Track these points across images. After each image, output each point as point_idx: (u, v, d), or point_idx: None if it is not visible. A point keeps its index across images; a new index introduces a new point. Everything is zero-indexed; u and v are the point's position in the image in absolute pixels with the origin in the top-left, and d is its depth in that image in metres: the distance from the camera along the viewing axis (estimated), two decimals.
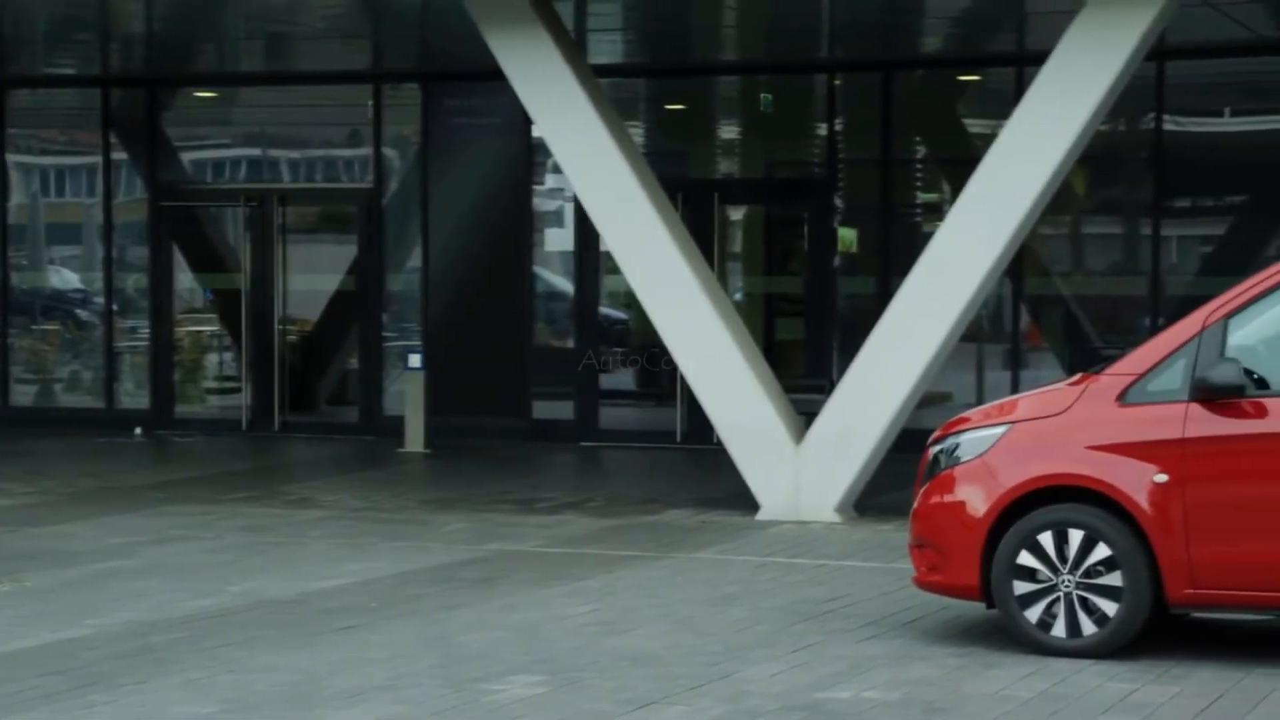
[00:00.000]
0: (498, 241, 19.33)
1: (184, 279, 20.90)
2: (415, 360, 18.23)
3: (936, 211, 18.06)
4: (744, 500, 13.71)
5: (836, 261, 18.55)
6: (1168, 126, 17.38)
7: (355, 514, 13.82)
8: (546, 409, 19.12)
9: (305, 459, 18.23)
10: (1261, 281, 8.56)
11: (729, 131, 20.02)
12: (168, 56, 19.70)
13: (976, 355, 17.84)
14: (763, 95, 19.36)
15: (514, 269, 19.21)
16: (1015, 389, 16.72)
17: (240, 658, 8.58)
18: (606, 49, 18.36)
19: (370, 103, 19.64)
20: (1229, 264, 16.62)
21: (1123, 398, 8.57)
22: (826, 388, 16.01)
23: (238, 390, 20.30)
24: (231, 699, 7.75)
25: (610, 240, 14.26)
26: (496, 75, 14.27)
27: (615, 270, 15.62)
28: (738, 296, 18.82)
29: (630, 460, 17.90)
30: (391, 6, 16.68)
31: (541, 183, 19.41)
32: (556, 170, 17.67)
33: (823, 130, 18.63)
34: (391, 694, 7.83)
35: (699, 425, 17.17)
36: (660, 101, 19.88)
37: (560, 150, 14.24)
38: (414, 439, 18.14)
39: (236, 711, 7.55)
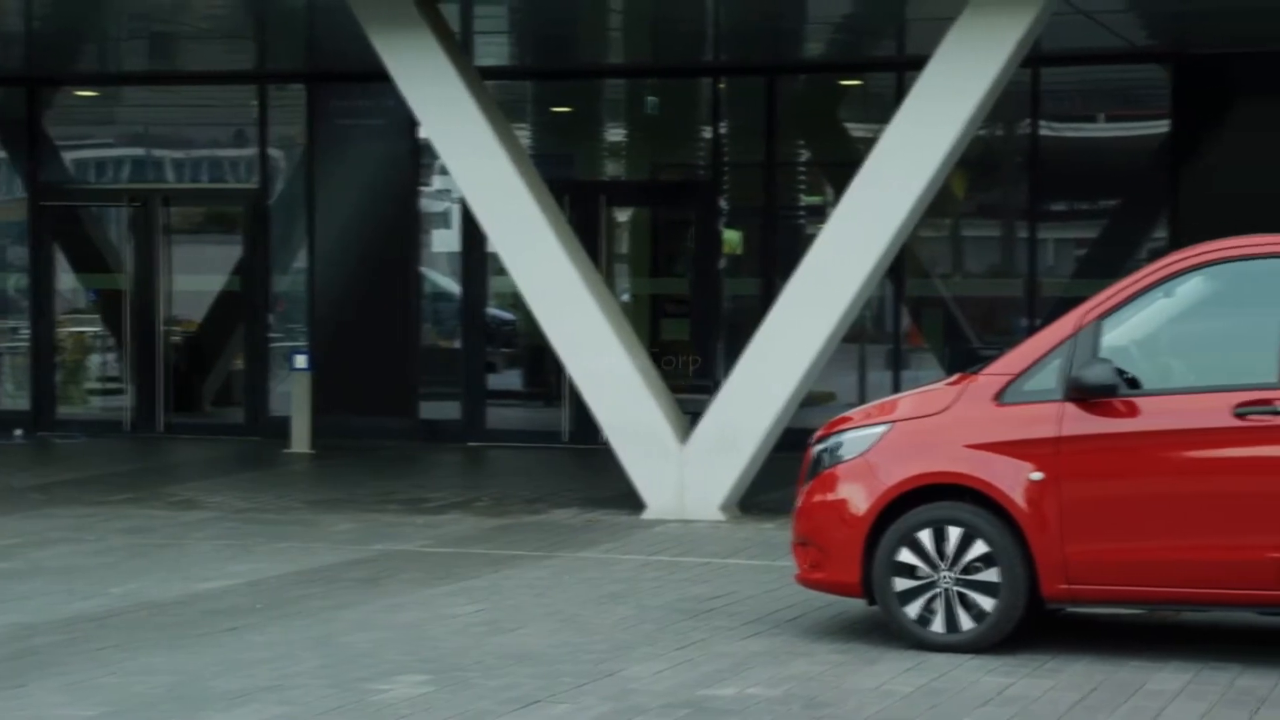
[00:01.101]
0: (384, 242, 19.30)
1: (66, 279, 20.69)
2: (301, 361, 18.17)
3: (819, 214, 18.23)
4: (630, 500, 13.79)
5: (721, 263, 18.70)
6: (1043, 132, 17.68)
7: (240, 515, 13.75)
8: (433, 409, 19.13)
9: (189, 460, 18.10)
10: (1133, 284, 8.73)
11: (615, 134, 20.11)
12: (49, 55, 19.47)
13: (859, 355, 18.05)
14: (648, 98, 19.48)
15: (400, 270, 19.18)
16: (896, 389, 16.93)
17: (122, 660, 8.53)
18: (493, 51, 18.39)
19: (255, 103, 19.54)
20: (1103, 266, 16.93)
21: (1000, 397, 8.71)
22: (712, 388, 16.14)
23: (121, 391, 20.12)
24: (113, 701, 7.71)
25: (497, 241, 14.30)
26: (382, 77, 14.27)
27: (502, 271, 15.66)
28: (624, 297, 18.91)
29: (517, 460, 17.93)
30: (276, 7, 16.61)
31: (428, 184, 19.40)
32: (443, 171, 17.68)
33: (707, 133, 18.77)
34: (276, 695, 7.82)
35: (585, 425, 17.24)
36: (546, 104, 19.93)
37: (446, 152, 14.26)
38: (300, 440, 18.07)
39: (118, 714, 7.51)
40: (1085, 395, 8.51)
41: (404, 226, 19.20)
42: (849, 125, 19.09)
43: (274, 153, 19.81)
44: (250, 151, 19.78)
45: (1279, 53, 16.71)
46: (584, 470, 16.74)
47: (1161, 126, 17.52)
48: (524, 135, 19.01)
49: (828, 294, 13.24)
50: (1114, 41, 16.53)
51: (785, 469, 11.85)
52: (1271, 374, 8.35)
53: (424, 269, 19.43)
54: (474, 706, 7.63)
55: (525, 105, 19.71)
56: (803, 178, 19.16)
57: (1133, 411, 8.50)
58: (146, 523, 13.30)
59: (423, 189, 19.33)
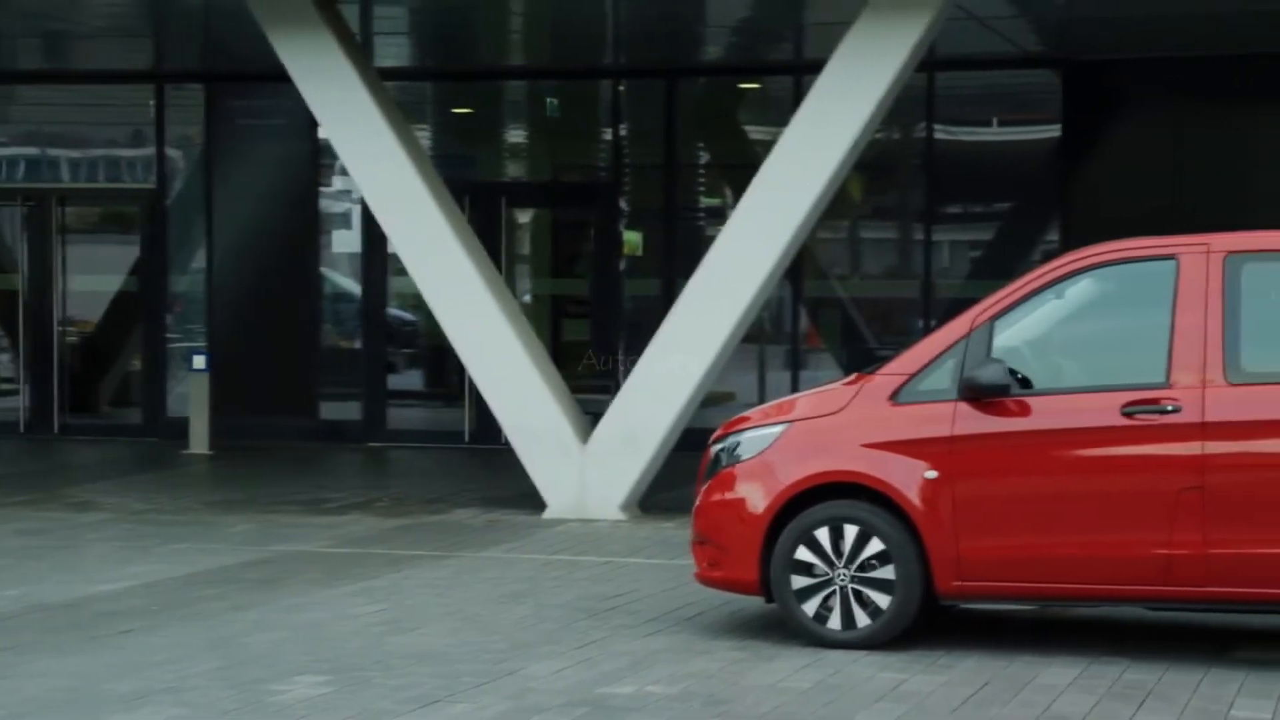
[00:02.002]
0: (284, 243, 19.22)
1: None
2: (199, 361, 18.06)
3: (719, 215, 18.35)
4: (531, 499, 13.83)
5: (622, 264, 18.77)
6: (938, 135, 17.88)
7: (137, 516, 13.66)
8: (334, 409, 19.07)
9: (86, 461, 17.94)
10: (1025, 285, 8.86)
11: (516, 135, 20.14)
12: None
13: (758, 356, 18.18)
14: (549, 100, 19.53)
15: (301, 270, 19.11)
16: (795, 389, 17.08)
17: (15, 663, 8.46)
18: (392, 52, 18.37)
19: (153, 103, 19.39)
20: (996, 268, 17.15)
21: (895, 397, 8.82)
22: (612, 388, 16.20)
23: (15, 392, 19.91)
24: (6, 705, 7.64)
25: (397, 243, 14.29)
26: (282, 77, 14.22)
27: (403, 272, 15.65)
28: (525, 298, 18.95)
29: (418, 460, 17.92)
30: (174, 6, 16.50)
31: (328, 184, 19.34)
32: (343, 172, 17.64)
33: (608, 135, 18.84)
34: (173, 696, 7.80)
35: (486, 425, 17.26)
36: (447, 105, 19.92)
37: (346, 153, 14.24)
38: (198, 440, 17.97)
39: (11, 718, 7.45)
40: (978, 395, 8.63)
41: (304, 227, 19.13)
42: (748, 128, 19.23)
43: (172, 153, 19.67)
44: (148, 151, 19.63)
45: (1164, 59, 17.01)
46: (485, 470, 16.76)
47: (1053, 130, 17.76)
48: (424, 136, 19.00)
49: (727, 294, 13.34)
50: (1006, 47, 16.77)
51: (685, 468, 11.93)
52: (1158, 374, 8.51)
53: (324, 269, 19.37)
54: (374, 706, 7.64)
55: (425, 106, 19.69)
56: (702, 179, 19.27)
57: (1024, 411, 8.63)
58: (42, 525, 13.19)
59: (323, 189, 19.27)
